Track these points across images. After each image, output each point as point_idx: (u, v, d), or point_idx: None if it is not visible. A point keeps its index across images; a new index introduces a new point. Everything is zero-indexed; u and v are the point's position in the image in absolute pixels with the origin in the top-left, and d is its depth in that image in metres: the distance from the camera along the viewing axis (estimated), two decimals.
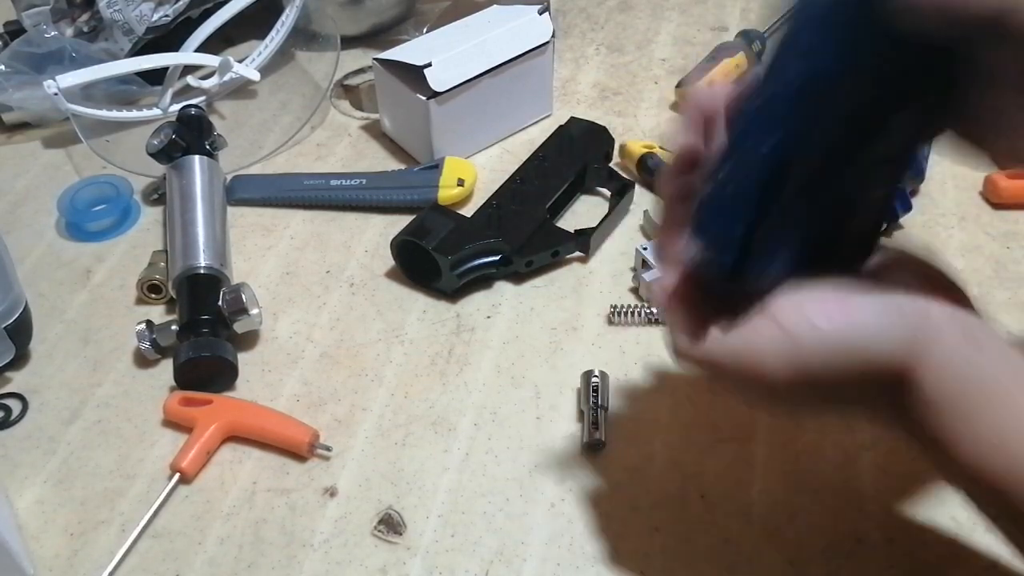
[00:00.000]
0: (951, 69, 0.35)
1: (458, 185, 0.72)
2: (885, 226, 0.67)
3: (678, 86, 0.82)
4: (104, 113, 0.80)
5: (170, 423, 0.58)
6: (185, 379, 0.59)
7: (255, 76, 0.82)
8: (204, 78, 0.84)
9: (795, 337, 0.38)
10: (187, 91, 0.85)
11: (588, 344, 0.62)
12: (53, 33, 0.84)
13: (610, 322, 0.64)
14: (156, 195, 0.76)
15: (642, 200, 0.73)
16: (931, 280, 0.40)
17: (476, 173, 0.75)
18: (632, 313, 0.63)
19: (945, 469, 0.39)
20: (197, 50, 0.83)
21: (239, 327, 0.62)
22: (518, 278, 0.67)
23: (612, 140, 0.76)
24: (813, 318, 0.38)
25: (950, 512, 0.52)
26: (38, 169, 0.80)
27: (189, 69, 0.85)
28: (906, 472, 0.54)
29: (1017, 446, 0.36)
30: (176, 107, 0.80)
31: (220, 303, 0.61)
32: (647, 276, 0.64)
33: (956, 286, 0.40)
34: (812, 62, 0.36)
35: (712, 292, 0.41)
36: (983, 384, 0.37)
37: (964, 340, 0.37)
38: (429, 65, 0.71)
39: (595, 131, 0.76)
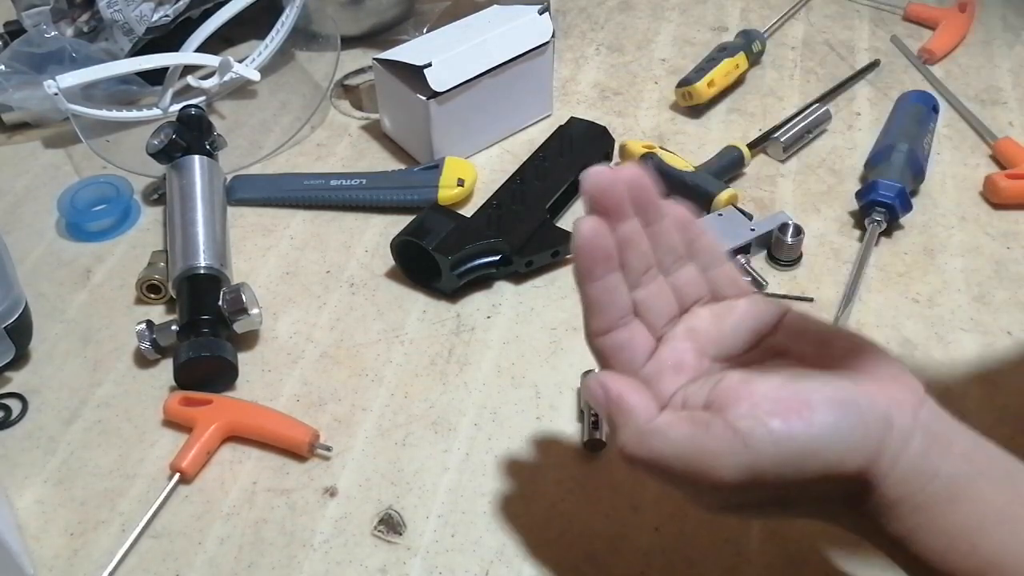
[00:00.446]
0: None
1: (458, 185, 0.72)
2: (884, 227, 0.68)
3: (678, 86, 0.82)
4: (104, 113, 0.80)
5: (170, 423, 0.58)
6: (185, 379, 0.59)
7: (255, 76, 0.82)
8: (204, 78, 0.84)
9: (748, 440, 0.35)
10: (187, 91, 0.84)
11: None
12: (53, 33, 0.84)
13: None
14: (156, 195, 0.76)
15: None
16: (883, 371, 0.38)
17: (476, 173, 0.75)
18: None
19: (907, 568, 0.38)
20: (197, 50, 0.83)
21: (239, 327, 0.62)
22: (518, 278, 0.67)
23: (612, 140, 0.76)
24: (768, 420, 0.35)
25: None
26: (38, 169, 0.80)
27: (189, 69, 0.85)
28: None
29: (985, 542, 0.35)
30: (176, 107, 0.80)
31: (220, 303, 0.61)
32: None
33: (906, 375, 0.38)
34: None
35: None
36: (950, 483, 0.36)
37: (928, 443, 0.36)
38: (429, 65, 0.71)
39: (595, 131, 0.76)
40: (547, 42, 0.77)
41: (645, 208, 0.41)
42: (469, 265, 0.65)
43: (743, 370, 0.39)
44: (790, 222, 0.67)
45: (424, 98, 0.72)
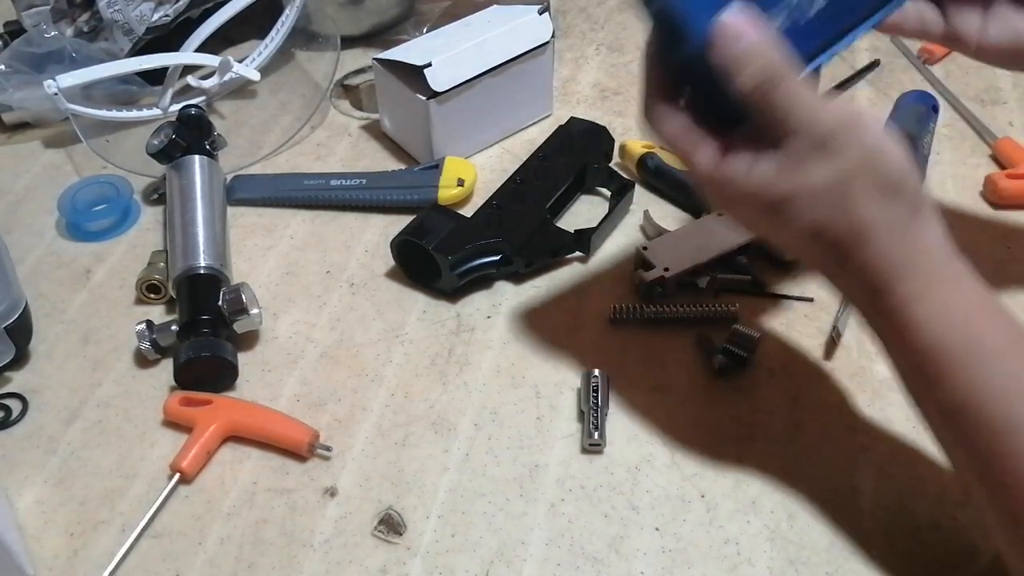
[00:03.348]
0: None
1: (458, 185, 0.72)
2: None
3: None
4: (104, 113, 0.80)
5: (170, 423, 0.58)
6: (185, 379, 0.59)
7: (255, 76, 0.82)
8: (204, 78, 0.84)
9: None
10: (187, 91, 0.84)
11: (588, 344, 0.62)
12: (53, 33, 0.84)
13: (610, 322, 0.64)
14: (156, 195, 0.76)
15: (642, 200, 0.73)
16: None
17: (476, 173, 0.75)
18: (632, 313, 0.63)
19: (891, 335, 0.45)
20: (197, 50, 0.83)
21: (239, 327, 0.62)
22: (518, 278, 0.67)
23: (612, 140, 0.76)
24: None
25: (950, 512, 0.52)
26: (38, 169, 0.80)
27: (189, 69, 0.85)
28: (906, 472, 0.54)
29: (977, 320, 0.44)
30: (176, 107, 0.80)
31: (220, 303, 0.61)
32: (647, 276, 0.64)
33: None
34: None
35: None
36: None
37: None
38: (429, 65, 0.71)
39: (595, 131, 0.76)
40: (547, 42, 0.77)
41: None
42: (469, 265, 0.65)
43: None
44: None
45: (424, 98, 0.72)
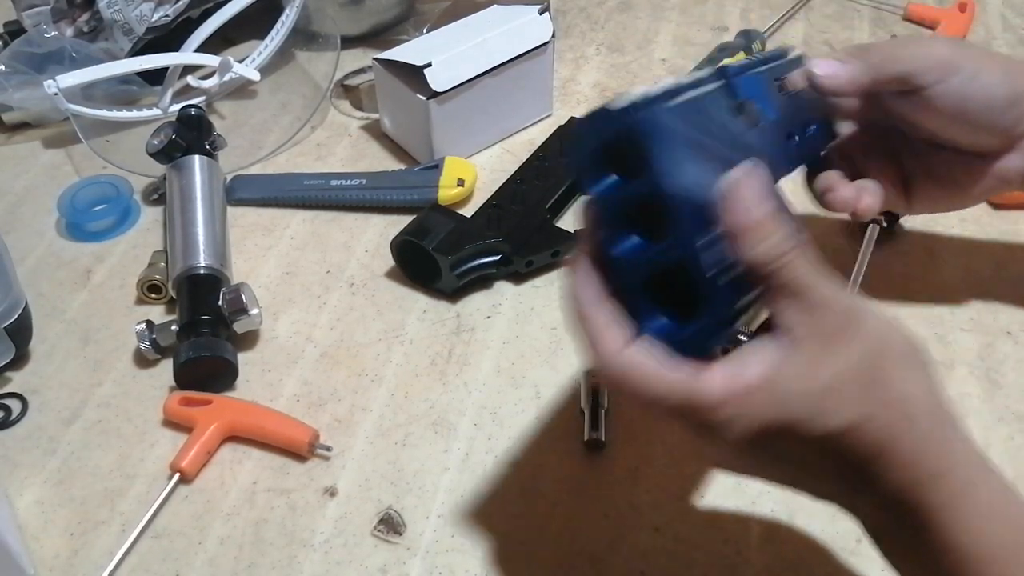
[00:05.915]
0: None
1: (458, 185, 0.72)
2: (885, 226, 0.68)
3: None
4: (104, 113, 0.80)
5: (170, 423, 0.58)
6: (185, 379, 0.59)
7: (255, 76, 0.82)
8: (204, 78, 0.84)
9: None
10: (187, 91, 0.84)
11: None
12: (53, 33, 0.84)
13: None
14: (156, 195, 0.76)
15: None
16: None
17: (476, 173, 0.75)
18: None
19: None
20: (197, 50, 0.83)
21: (239, 327, 0.62)
22: (518, 278, 0.67)
23: None
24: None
25: None
26: (38, 169, 0.80)
27: (189, 69, 0.85)
28: None
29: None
30: (176, 107, 0.80)
31: (220, 303, 0.61)
32: None
33: None
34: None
35: None
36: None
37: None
38: (429, 65, 0.71)
39: None
40: (547, 42, 0.77)
41: None
42: (469, 265, 0.65)
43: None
44: None
45: (424, 98, 0.72)
